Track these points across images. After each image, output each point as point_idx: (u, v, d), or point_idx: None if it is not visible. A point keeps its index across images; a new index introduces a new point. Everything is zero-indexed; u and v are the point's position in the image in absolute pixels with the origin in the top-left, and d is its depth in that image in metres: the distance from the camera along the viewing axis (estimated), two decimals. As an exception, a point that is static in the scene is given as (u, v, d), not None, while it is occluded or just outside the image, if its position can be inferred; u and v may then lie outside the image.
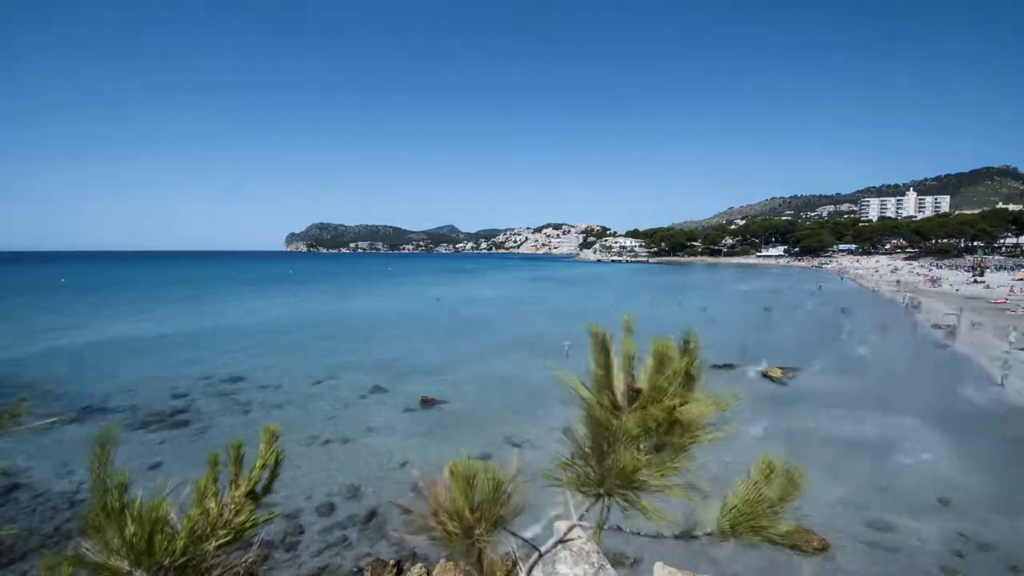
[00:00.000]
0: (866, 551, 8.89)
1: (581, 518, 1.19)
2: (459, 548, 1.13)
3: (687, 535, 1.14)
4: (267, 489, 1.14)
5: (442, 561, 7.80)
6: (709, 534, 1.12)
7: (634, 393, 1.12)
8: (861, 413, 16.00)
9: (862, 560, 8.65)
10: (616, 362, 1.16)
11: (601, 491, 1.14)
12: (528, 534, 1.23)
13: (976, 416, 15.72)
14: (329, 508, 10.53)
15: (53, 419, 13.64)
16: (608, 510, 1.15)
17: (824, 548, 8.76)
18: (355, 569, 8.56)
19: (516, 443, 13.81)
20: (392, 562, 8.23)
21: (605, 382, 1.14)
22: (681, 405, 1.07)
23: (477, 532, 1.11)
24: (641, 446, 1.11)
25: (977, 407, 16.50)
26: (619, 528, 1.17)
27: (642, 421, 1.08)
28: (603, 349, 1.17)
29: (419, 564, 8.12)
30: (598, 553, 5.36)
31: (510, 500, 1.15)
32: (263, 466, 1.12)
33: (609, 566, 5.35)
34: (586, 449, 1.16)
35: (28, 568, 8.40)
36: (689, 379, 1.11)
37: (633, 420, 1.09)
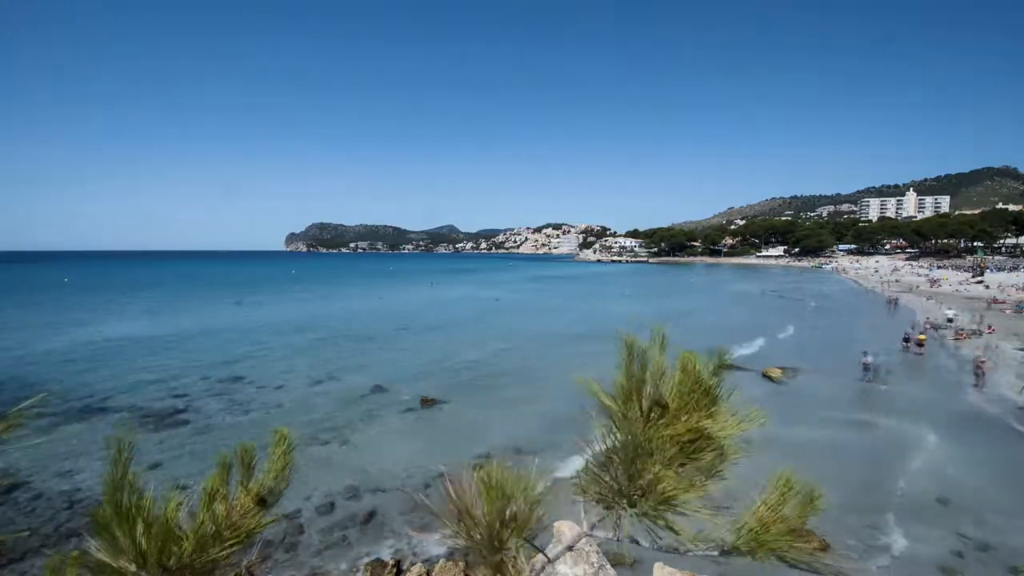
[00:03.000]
0: (866, 551, 8.89)
1: (593, 528, 1.18)
2: (482, 556, 1.12)
3: (703, 554, 1.13)
4: (277, 494, 1.14)
5: (442, 561, 7.80)
6: (728, 553, 1.12)
7: (660, 407, 1.11)
8: (860, 413, 16.01)
9: (862, 560, 8.65)
10: (646, 375, 1.15)
11: (625, 504, 1.13)
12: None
13: (975, 415, 15.72)
14: (329, 508, 10.53)
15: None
16: (620, 520, 1.15)
17: (824, 548, 8.74)
18: (355, 569, 8.55)
19: (517, 443, 13.80)
20: (392, 562, 8.23)
21: (634, 394, 1.14)
22: (706, 419, 1.07)
23: (508, 546, 1.09)
24: (669, 461, 1.11)
25: (976, 406, 16.50)
26: (636, 542, 1.17)
27: (673, 436, 1.08)
28: (634, 360, 1.15)
29: (418, 564, 8.12)
30: (598, 553, 5.36)
31: (539, 514, 1.14)
32: (272, 470, 1.12)
33: (608, 566, 5.35)
34: (609, 461, 1.15)
35: (28, 568, 8.40)
36: (714, 398, 1.11)
37: (664, 434, 1.08)
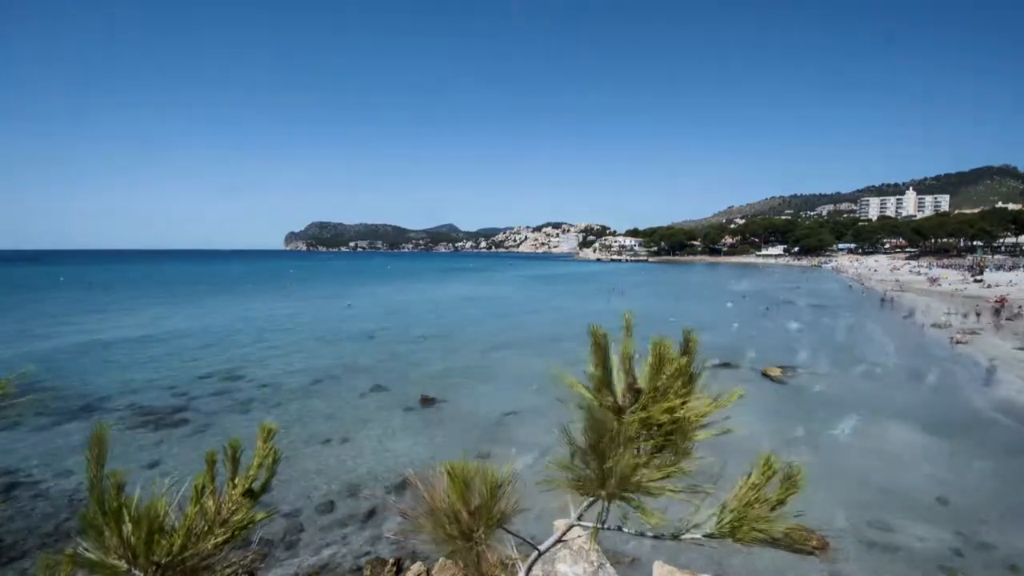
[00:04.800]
0: (866, 550, 8.89)
1: (580, 518, 1.18)
2: (457, 550, 1.12)
3: (687, 538, 1.13)
4: (265, 487, 1.14)
5: (441, 559, 7.80)
6: (710, 536, 1.12)
7: (634, 393, 1.11)
8: (860, 412, 16.01)
9: (862, 559, 8.65)
10: (616, 361, 1.15)
11: (602, 493, 1.13)
12: (527, 532, 1.23)
13: (975, 415, 15.72)
14: (329, 506, 10.53)
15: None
16: (607, 510, 1.14)
17: (823, 547, 8.77)
18: (355, 567, 8.55)
19: (516, 441, 13.80)
20: (392, 560, 8.23)
21: (604, 382, 1.13)
22: (682, 404, 1.07)
23: (476, 534, 1.09)
24: (642, 447, 1.10)
25: (976, 405, 16.50)
26: (620, 528, 1.16)
27: (643, 422, 1.07)
28: (601, 348, 1.16)
29: (418, 562, 8.12)
30: (597, 552, 5.35)
31: (508, 501, 1.14)
32: (260, 464, 1.11)
33: (608, 565, 5.35)
34: (586, 450, 1.15)
35: (28, 567, 8.40)
36: (689, 378, 1.10)
37: (634, 421, 1.08)
